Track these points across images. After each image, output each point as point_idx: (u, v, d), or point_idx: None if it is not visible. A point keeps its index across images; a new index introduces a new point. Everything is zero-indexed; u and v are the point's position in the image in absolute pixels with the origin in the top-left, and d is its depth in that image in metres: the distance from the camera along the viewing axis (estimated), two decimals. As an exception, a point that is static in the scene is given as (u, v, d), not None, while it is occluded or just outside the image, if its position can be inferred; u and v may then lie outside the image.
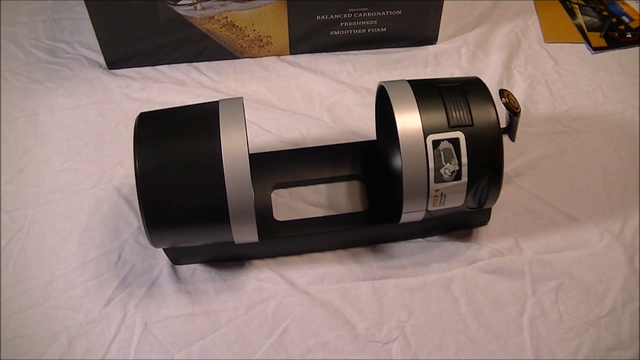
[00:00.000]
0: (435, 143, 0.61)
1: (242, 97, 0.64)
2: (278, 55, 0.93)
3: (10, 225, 0.73)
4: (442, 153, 0.61)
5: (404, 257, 0.70)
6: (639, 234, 0.71)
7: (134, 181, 0.59)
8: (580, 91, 0.87)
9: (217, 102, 0.63)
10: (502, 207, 0.73)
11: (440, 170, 0.61)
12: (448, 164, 0.61)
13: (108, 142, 0.82)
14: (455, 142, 0.61)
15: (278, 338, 0.64)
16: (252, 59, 0.93)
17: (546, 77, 0.89)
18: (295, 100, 0.87)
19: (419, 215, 0.65)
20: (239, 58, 0.93)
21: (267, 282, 0.68)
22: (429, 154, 0.61)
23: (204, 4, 0.85)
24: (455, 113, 0.62)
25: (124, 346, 0.63)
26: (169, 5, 0.84)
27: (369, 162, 0.77)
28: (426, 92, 0.63)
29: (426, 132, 0.61)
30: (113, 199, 0.75)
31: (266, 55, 0.93)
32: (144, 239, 0.71)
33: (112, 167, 0.79)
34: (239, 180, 0.59)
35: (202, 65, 0.92)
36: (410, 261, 0.70)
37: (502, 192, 0.64)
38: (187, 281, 0.68)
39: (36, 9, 0.99)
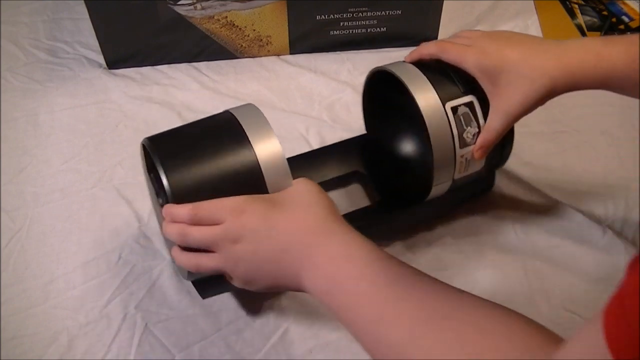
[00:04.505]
0: (454, 109, 0.62)
1: (252, 104, 0.62)
2: (278, 55, 0.93)
3: (10, 225, 0.73)
4: (461, 118, 0.62)
5: (403, 257, 0.70)
6: (639, 232, 0.71)
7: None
8: (580, 91, 0.87)
9: (229, 112, 0.61)
10: (502, 205, 0.73)
11: (463, 135, 0.62)
12: (469, 127, 0.62)
13: (108, 142, 0.82)
14: (470, 105, 0.62)
15: (279, 339, 0.64)
16: (252, 59, 0.93)
17: (546, 77, 0.89)
18: (295, 100, 0.87)
19: (445, 187, 0.65)
20: (239, 58, 0.93)
21: (267, 282, 0.68)
22: (451, 121, 0.61)
23: (204, 3, 0.85)
24: (462, 79, 0.63)
25: (125, 346, 0.63)
26: (169, 5, 0.84)
27: (366, 156, 0.76)
28: (427, 65, 0.65)
29: (443, 101, 0.62)
30: (113, 199, 0.75)
31: (266, 55, 0.93)
32: (144, 239, 0.71)
33: (112, 167, 0.79)
34: (280, 181, 0.57)
35: (202, 65, 0.92)
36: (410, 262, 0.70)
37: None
38: (187, 281, 0.68)
39: (36, 9, 0.99)
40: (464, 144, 0.62)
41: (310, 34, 0.91)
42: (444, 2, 0.89)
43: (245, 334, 0.64)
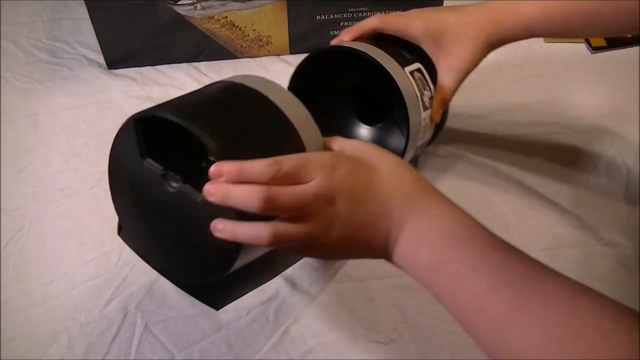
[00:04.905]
0: (412, 74, 0.64)
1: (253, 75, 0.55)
2: (278, 55, 0.93)
3: (10, 225, 0.73)
4: (419, 82, 0.64)
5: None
6: (639, 232, 0.71)
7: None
8: (580, 91, 0.87)
9: (223, 80, 0.54)
10: (501, 205, 0.73)
11: (423, 98, 0.64)
12: (425, 90, 0.64)
13: (108, 142, 0.81)
14: (420, 71, 0.64)
15: (279, 339, 0.64)
16: (252, 59, 0.93)
17: (545, 77, 0.89)
18: (295, 100, 0.87)
19: (409, 157, 0.66)
20: (239, 58, 0.93)
21: (268, 282, 0.68)
22: (413, 85, 0.63)
23: (204, 3, 0.85)
24: (405, 48, 0.65)
25: (125, 346, 0.63)
26: (169, 5, 0.84)
27: None
28: (369, 40, 0.66)
29: (402, 66, 0.63)
30: (113, 199, 0.75)
31: (266, 55, 0.93)
32: (144, 239, 0.71)
33: (112, 167, 0.79)
34: (315, 141, 0.50)
35: (202, 65, 0.92)
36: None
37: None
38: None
39: (36, 9, 0.99)
40: (425, 106, 0.64)
41: (310, 34, 0.91)
42: (444, 2, 0.89)
43: (245, 334, 0.64)
